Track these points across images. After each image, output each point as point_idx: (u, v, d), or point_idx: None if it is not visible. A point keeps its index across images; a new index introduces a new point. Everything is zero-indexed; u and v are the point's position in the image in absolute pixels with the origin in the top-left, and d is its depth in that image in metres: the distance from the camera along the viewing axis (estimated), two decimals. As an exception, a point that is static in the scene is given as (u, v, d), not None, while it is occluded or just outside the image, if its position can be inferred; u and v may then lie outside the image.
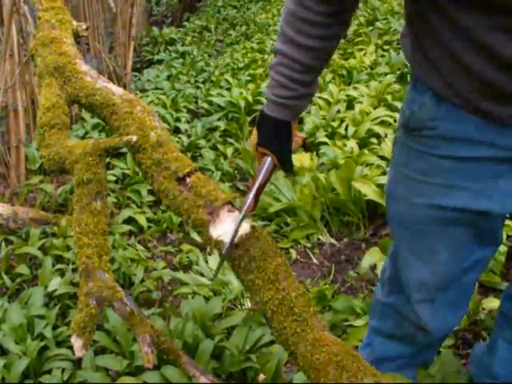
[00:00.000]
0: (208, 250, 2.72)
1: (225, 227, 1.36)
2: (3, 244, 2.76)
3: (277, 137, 1.27)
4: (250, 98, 4.19)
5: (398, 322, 1.46)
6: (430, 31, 1.03)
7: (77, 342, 1.34)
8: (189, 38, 7.50)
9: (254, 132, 1.32)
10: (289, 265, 1.36)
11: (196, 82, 5.34)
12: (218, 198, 1.41)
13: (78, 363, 2.01)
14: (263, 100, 4.21)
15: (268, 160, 1.28)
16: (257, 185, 1.29)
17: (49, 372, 1.98)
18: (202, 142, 3.85)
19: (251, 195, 1.28)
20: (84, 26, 1.98)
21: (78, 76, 1.68)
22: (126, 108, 1.57)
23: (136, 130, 1.52)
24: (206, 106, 4.46)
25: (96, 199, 1.47)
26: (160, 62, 6.49)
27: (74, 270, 2.53)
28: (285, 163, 1.30)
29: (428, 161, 1.14)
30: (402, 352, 1.54)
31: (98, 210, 1.47)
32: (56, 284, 2.38)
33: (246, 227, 1.33)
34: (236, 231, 1.29)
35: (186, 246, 2.80)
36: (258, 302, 1.33)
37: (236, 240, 1.29)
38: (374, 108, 3.68)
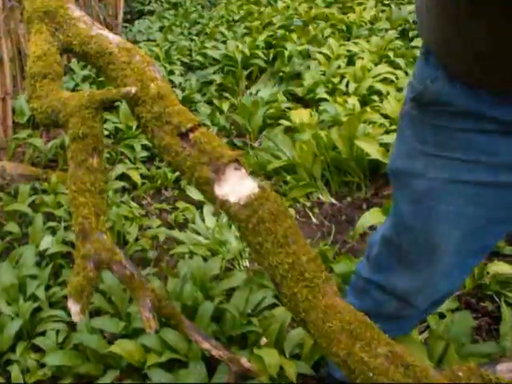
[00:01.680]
0: (204, 207, 2.64)
1: (231, 186, 1.27)
2: (-9, 201, 2.66)
3: None
4: (246, 52, 4.05)
5: (381, 301, 1.37)
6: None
7: (74, 307, 1.25)
8: (181, -13, 7.24)
9: None
10: (298, 227, 1.28)
11: (190, 34, 5.16)
12: (223, 154, 1.30)
13: (72, 325, 1.95)
14: (260, 54, 4.08)
15: None
16: None
17: (42, 334, 1.93)
18: (197, 97, 3.73)
19: None
20: (76, -32, 1.83)
21: (71, 22, 1.53)
22: (124, 57, 1.44)
23: (135, 81, 1.40)
24: (200, 58, 4.31)
25: (92, 155, 1.37)
26: (151, 12, 6.26)
27: (66, 228, 2.45)
28: None
29: (445, 135, 1.08)
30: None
31: (94, 166, 1.37)
32: (48, 243, 2.31)
33: (253, 186, 1.25)
34: None
35: (181, 204, 2.73)
36: (266, 268, 1.26)
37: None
38: (376, 64, 3.56)
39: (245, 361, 1.51)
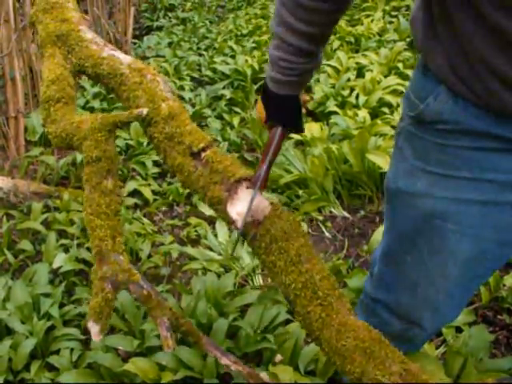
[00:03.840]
0: (216, 223, 2.64)
1: (243, 204, 1.28)
2: (4, 219, 2.68)
3: (287, 111, 1.25)
4: (256, 66, 4.08)
5: (387, 321, 1.33)
6: (449, 20, 0.94)
7: (93, 328, 1.29)
8: (189, 4, 7.31)
9: (260, 105, 1.29)
10: (312, 245, 1.28)
11: (198, 49, 5.20)
12: (235, 173, 1.32)
13: (86, 343, 1.95)
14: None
15: (278, 130, 1.26)
16: (269, 158, 1.26)
17: (57, 352, 1.92)
18: (208, 111, 3.75)
19: (264, 168, 1.26)
20: (86, -10, 1.86)
21: (83, 44, 1.56)
22: (136, 78, 1.46)
23: (146, 101, 1.42)
24: (209, 73, 4.34)
25: (107, 178, 1.39)
26: (160, 28, 6.33)
27: (79, 246, 2.47)
28: (296, 128, 1.29)
29: (449, 153, 1.05)
30: None
31: (109, 189, 1.39)
32: (61, 260, 2.31)
33: (265, 205, 1.25)
34: (250, 207, 1.23)
35: (193, 220, 2.74)
36: (280, 286, 1.26)
37: (250, 217, 1.23)
38: (385, 76, 3.56)
39: (264, 375, 1.52)
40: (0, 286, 2.16)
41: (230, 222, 1.30)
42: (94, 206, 1.37)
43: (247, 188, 1.29)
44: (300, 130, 1.30)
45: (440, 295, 1.20)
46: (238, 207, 1.28)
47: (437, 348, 1.87)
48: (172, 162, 1.38)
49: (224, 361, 1.48)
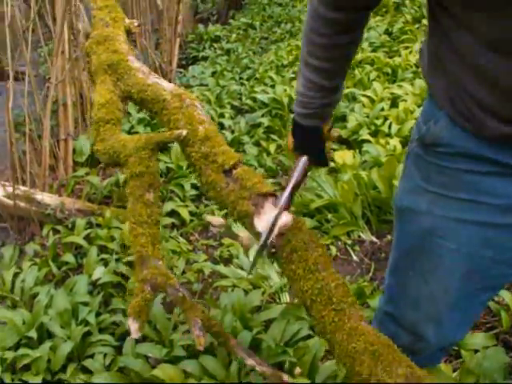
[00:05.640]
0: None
1: (269, 219, 1.39)
2: (51, 233, 2.86)
3: (310, 142, 1.37)
4: (293, 95, 4.20)
5: (394, 333, 1.35)
6: (445, 51, 1.04)
7: (133, 325, 1.41)
8: (234, 36, 7.53)
9: (290, 135, 1.41)
10: (329, 256, 1.38)
11: (240, 78, 5.38)
12: (262, 190, 1.44)
13: (119, 349, 2.07)
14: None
15: (303, 158, 1.37)
16: (293, 182, 1.36)
17: (91, 356, 2.05)
18: (246, 138, 3.89)
19: (287, 192, 1.36)
20: (136, 23, 2.04)
21: (131, 73, 1.73)
22: (176, 103, 1.61)
23: (185, 124, 1.56)
24: (249, 102, 4.49)
25: (149, 191, 1.53)
26: (205, 58, 6.56)
27: (118, 260, 2.61)
28: (319, 161, 1.40)
29: (449, 175, 1.12)
30: None
31: (150, 201, 1.53)
32: (100, 273, 2.46)
33: (288, 219, 1.36)
34: (272, 228, 1.34)
35: (227, 240, 2.84)
36: (298, 292, 1.35)
37: (272, 237, 1.34)
38: (418, 106, 3.64)
39: (286, 377, 1.61)
40: (43, 293, 2.32)
41: (256, 235, 1.42)
42: (137, 216, 1.51)
43: (273, 204, 1.40)
44: (323, 163, 1.41)
45: (442, 308, 1.25)
46: (264, 221, 1.39)
47: (455, 370, 1.90)
48: (206, 179, 1.51)
49: (250, 361, 1.59)
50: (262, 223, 1.40)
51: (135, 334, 1.39)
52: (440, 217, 1.16)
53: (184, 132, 1.51)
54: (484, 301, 1.31)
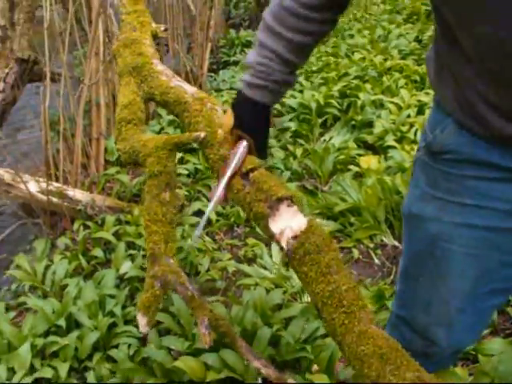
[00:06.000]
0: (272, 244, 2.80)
1: (284, 221, 1.43)
2: (81, 228, 2.97)
3: (256, 120, 1.28)
4: (321, 101, 4.25)
5: (407, 337, 1.38)
6: (451, 55, 1.05)
7: (142, 320, 1.44)
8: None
9: (229, 113, 1.31)
10: (341, 259, 1.42)
11: (270, 83, 5.42)
12: (277, 193, 1.48)
13: (143, 340, 2.16)
14: (334, 103, 4.26)
15: (243, 144, 1.29)
16: (231, 171, 1.30)
17: (116, 347, 2.15)
18: (273, 142, 3.95)
19: (223, 184, 1.31)
20: (162, 28, 2.12)
21: (154, 75, 1.79)
22: (197, 106, 1.66)
23: (205, 126, 1.61)
24: (278, 106, 4.55)
25: (165, 190, 1.57)
26: (236, 63, 6.63)
27: (145, 256, 2.69)
28: (261, 149, 1.32)
29: (456, 181, 1.15)
30: None
31: (166, 200, 1.57)
32: (127, 267, 2.56)
33: (303, 222, 1.40)
34: (205, 220, 1.34)
35: (251, 240, 2.90)
36: (310, 294, 1.39)
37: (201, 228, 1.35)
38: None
39: (291, 380, 1.64)
40: (73, 285, 2.42)
41: (271, 237, 1.47)
42: (152, 214, 1.56)
43: (288, 206, 1.45)
44: (263, 154, 1.32)
45: (452, 312, 1.27)
46: (279, 223, 1.44)
47: (471, 375, 1.92)
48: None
49: (255, 364, 1.61)
50: (277, 225, 1.44)
51: (144, 328, 1.43)
52: (447, 223, 1.18)
53: (202, 134, 1.54)
54: (495, 304, 1.31)
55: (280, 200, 1.45)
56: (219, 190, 1.31)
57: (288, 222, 1.41)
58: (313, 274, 1.37)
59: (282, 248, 1.42)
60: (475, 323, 1.34)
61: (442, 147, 1.14)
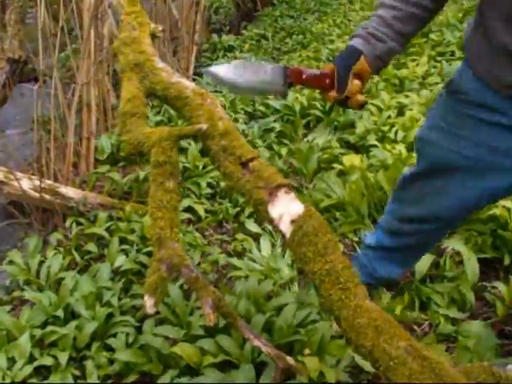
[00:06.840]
0: (261, 239, 2.89)
1: (282, 206, 1.52)
2: (74, 225, 3.02)
3: (345, 56, 1.46)
4: (304, 102, 4.36)
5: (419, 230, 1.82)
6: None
7: (149, 301, 1.51)
8: (247, 46, 7.69)
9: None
10: (337, 241, 1.53)
11: (253, 86, 5.51)
12: (276, 180, 1.58)
13: (140, 329, 2.22)
14: (317, 105, 4.37)
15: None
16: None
17: (114, 336, 2.21)
18: (259, 142, 4.04)
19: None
20: (160, 28, 2.20)
21: (156, 72, 1.88)
22: (198, 100, 1.75)
23: (206, 119, 1.70)
24: (262, 108, 4.65)
25: (169, 179, 1.65)
26: (219, 67, 6.68)
27: (138, 251, 2.76)
28: (339, 81, 1.45)
29: (459, 117, 1.47)
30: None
31: (170, 188, 1.65)
32: (121, 261, 2.61)
33: (301, 207, 1.50)
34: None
35: (240, 236, 2.98)
36: (308, 273, 1.49)
37: None
38: (424, 115, 3.78)
39: (290, 358, 1.73)
40: (69, 278, 2.48)
41: (270, 221, 1.57)
42: (157, 201, 1.64)
43: (286, 193, 1.55)
44: (340, 87, 1.45)
45: (447, 221, 1.74)
46: (278, 208, 1.54)
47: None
48: (224, 170, 1.66)
49: (256, 342, 1.70)
50: (275, 210, 1.54)
51: (151, 309, 1.49)
52: (444, 148, 1.53)
53: (204, 126, 1.64)
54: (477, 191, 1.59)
55: (279, 187, 1.56)
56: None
57: (286, 207, 1.52)
58: (311, 254, 1.47)
59: (280, 231, 1.52)
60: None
61: (458, 87, 1.47)
